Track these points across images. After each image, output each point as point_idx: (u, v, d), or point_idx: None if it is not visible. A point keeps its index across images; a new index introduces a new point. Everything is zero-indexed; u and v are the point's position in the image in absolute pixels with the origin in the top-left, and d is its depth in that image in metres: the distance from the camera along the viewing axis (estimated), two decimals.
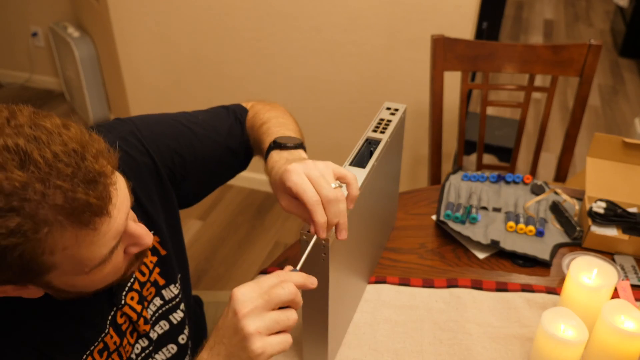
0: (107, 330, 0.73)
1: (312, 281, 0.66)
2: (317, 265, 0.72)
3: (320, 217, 0.66)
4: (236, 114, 0.93)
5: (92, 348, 0.71)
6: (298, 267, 0.67)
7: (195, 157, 0.86)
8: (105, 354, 0.73)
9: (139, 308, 0.78)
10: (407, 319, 0.94)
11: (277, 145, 0.78)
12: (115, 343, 0.74)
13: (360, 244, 0.89)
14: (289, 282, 0.63)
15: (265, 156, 0.79)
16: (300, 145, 0.79)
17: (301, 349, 0.88)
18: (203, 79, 2.22)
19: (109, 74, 2.58)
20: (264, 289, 0.62)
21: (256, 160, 0.97)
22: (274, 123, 0.86)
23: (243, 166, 0.95)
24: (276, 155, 0.77)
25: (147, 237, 0.64)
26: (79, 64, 2.59)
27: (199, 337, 1.01)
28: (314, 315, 0.80)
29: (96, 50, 2.62)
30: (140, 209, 0.79)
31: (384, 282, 1.01)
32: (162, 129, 0.84)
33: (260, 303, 0.61)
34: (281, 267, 1.01)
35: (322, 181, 0.67)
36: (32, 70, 3.12)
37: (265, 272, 1.02)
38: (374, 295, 0.99)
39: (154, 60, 2.26)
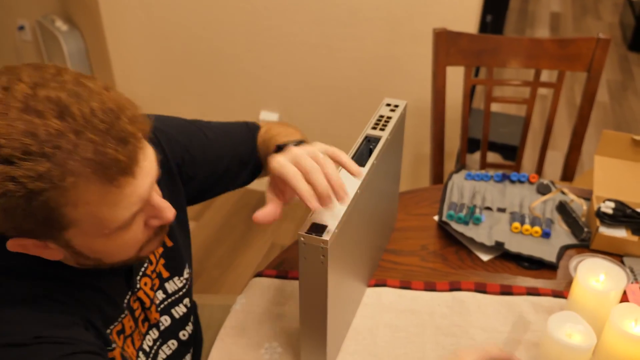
0: (125, 313, 0.76)
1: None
2: (315, 268, 0.72)
3: (302, 185, 0.69)
4: (249, 127, 0.96)
5: (111, 327, 0.73)
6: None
7: (205, 159, 0.88)
8: (122, 336, 0.75)
9: (151, 294, 0.80)
10: (409, 323, 0.93)
11: (280, 148, 0.81)
12: (131, 327, 0.77)
13: (360, 246, 0.88)
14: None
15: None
16: (300, 142, 0.81)
17: (299, 355, 0.87)
18: (197, 75, 2.20)
19: (99, 69, 2.55)
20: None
21: None
22: (283, 134, 0.90)
23: (248, 180, 0.97)
24: (277, 155, 0.80)
25: (169, 210, 0.67)
26: (68, 59, 2.57)
27: (196, 338, 1.02)
28: (312, 320, 0.79)
29: (85, 44, 2.59)
30: None
31: (384, 285, 1.00)
32: (175, 127, 0.87)
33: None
34: (278, 270, 1.01)
35: (302, 158, 0.71)
36: None
37: (260, 274, 1.02)
38: (374, 299, 0.97)
39: (146, 56, 2.23)
